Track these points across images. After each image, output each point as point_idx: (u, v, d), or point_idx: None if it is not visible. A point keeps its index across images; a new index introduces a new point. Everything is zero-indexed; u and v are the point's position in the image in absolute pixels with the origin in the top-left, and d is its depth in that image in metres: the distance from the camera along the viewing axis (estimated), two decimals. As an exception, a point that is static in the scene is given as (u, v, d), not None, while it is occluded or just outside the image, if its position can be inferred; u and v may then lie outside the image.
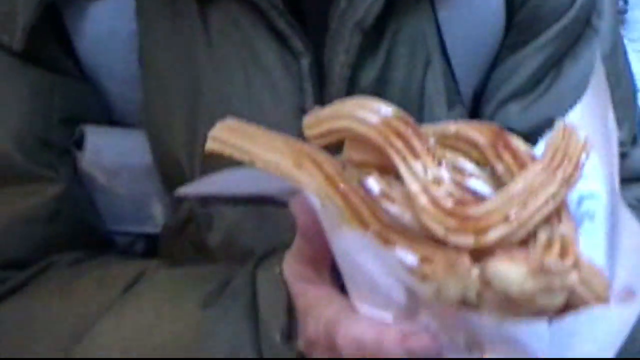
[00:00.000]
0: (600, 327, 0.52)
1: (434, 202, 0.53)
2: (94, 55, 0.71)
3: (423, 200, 0.53)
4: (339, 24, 0.71)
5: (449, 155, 0.59)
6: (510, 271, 0.48)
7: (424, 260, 0.51)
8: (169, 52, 0.72)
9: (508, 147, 0.58)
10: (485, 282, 0.48)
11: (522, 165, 0.57)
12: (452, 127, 0.60)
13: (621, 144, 0.77)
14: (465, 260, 0.50)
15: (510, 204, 0.53)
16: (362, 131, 0.57)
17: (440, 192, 0.53)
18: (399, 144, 0.56)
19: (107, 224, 0.75)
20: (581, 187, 0.59)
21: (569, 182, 0.55)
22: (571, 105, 0.64)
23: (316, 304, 0.59)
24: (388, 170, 0.58)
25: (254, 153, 0.58)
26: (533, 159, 0.58)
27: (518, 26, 0.78)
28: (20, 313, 0.68)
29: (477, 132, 0.59)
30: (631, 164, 0.82)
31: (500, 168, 0.57)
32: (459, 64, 0.76)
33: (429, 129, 0.60)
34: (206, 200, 0.70)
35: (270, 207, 0.69)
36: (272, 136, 0.59)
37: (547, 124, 0.61)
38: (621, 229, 0.57)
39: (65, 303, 0.68)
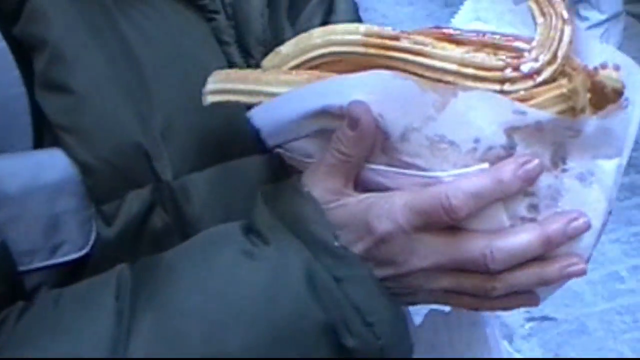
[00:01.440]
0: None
1: (481, 67, 0.64)
2: None
3: (468, 71, 0.64)
4: None
5: None
6: (612, 74, 0.64)
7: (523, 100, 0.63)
8: (96, 52, 0.69)
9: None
10: (598, 86, 0.63)
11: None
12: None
13: None
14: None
15: (552, 47, 0.65)
16: (348, 50, 0.67)
17: (482, 58, 0.65)
18: (400, 43, 0.66)
19: (16, 265, 0.66)
20: None
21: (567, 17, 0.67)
22: None
23: (370, 206, 0.64)
24: None
25: (265, 92, 0.66)
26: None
27: None
28: None
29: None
30: None
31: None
32: None
33: None
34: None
35: (236, 163, 0.71)
36: (271, 73, 0.67)
37: None
38: None
39: (55, 343, 0.63)
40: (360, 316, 0.65)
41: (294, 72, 0.67)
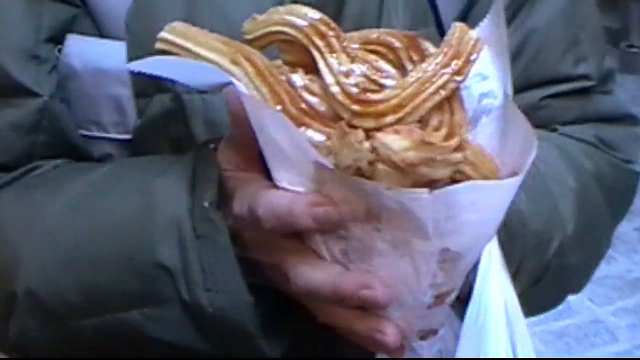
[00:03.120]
0: (482, 199, 0.56)
1: (343, 90, 0.60)
2: None
3: (335, 89, 0.60)
4: None
5: (372, 57, 0.64)
6: (394, 142, 0.55)
7: (329, 137, 0.58)
8: None
9: (418, 49, 0.62)
10: (375, 152, 0.56)
11: None
12: (375, 33, 0.66)
13: (587, 77, 0.85)
14: (358, 133, 0.56)
15: (405, 92, 0.58)
16: (292, 33, 0.65)
17: (349, 82, 0.60)
18: (320, 42, 0.63)
19: (83, 129, 0.79)
20: (481, 87, 0.64)
21: (459, 74, 0.59)
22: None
23: (241, 184, 0.65)
24: (312, 69, 0.65)
25: (196, 53, 0.67)
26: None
27: None
28: (15, 204, 0.76)
29: (394, 37, 0.64)
30: (595, 105, 0.88)
31: (409, 66, 0.62)
32: None
33: (354, 34, 0.66)
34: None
35: None
36: (213, 37, 0.67)
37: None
38: (510, 121, 0.62)
39: (49, 197, 0.75)
40: (203, 278, 0.66)
41: (227, 41, 0.67)
